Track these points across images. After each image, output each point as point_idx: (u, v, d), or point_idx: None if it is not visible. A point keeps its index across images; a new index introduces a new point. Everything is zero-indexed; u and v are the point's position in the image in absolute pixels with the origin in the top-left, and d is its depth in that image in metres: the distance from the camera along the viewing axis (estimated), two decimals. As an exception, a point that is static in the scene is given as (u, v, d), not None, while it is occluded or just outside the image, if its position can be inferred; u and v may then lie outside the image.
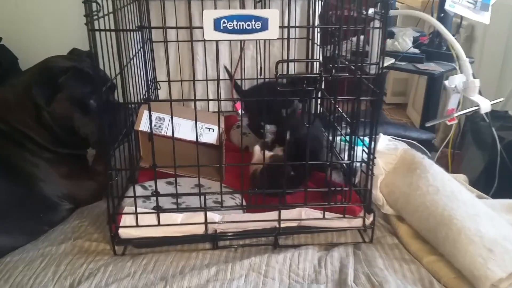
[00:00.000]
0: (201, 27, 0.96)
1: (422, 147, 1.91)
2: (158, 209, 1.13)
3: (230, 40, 1.80)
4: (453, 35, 1.57)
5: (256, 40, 1.61)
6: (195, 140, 1.39)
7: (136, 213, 1.12)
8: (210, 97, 1.95)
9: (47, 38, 2.08)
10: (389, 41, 2.14)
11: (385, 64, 1.70)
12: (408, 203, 1.20)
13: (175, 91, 1.95)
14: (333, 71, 1.03)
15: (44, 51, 1.46)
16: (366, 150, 1.19)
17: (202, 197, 1.13)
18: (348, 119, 1.31)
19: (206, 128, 1.46)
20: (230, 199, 1.28)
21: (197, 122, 1.46)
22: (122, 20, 1.54)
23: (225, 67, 1.91)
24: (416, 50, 2.10)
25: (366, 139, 1.20)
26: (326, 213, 1.18)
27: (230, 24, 0.95)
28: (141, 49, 1.68)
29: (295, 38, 1.87)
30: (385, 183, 1.28)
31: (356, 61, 1.10)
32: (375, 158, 1.15)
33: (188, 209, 1.16)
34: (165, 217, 1.14)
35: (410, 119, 3.38)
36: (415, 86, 3.20)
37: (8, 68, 1.94)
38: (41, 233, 1.29)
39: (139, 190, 1.28)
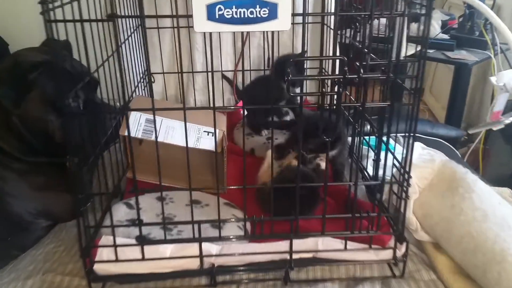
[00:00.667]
0: (191, 16, 0.73)
1: (452, 147, 1.68)
2: (142, 240, 0.91)
3: (228, 32, 1.57)
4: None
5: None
6: (191, 146, 1.18)
7: (114, 246, 0.90)
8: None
9: (39, 23, 1.87)
10: (413, 25, 1.88)
11: (409, 52, 1.46)
12: (450, 231, 0.98)
13: (172, 84, 1.72)
14: (361, 70, 0.80)
15: (37, 36, 1.22)
16: (397, 163, 0.96)
17: (196, 225, 0.91)
18: (375, 126, 1.07)
19: (204, 132, 1.23)
20: (232, 221, 1.06)
21: (195, 125, 1.25)
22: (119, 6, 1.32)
23: (223, 75, 1.68)
24: (445, 36, 1.84)
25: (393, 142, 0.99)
26: (348, 242, 0.95)
27: (228, 12, 0.72)
28: (129, 39, 1.45)
29: (307, 23, 1.61)
30: (420, 203, 1.05)
31: (388, 57, 0.86)
32: (411, 177, 0.92)
33: (179, 241, 0.94)
34: (151, 250, 0.93)
35: (427, 105, 3.09)
36: (433, 68, 2.90)
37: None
38: (9, 259, 1.08)
39: (122, 210, 1.07)
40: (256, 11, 0.72)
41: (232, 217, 1.06)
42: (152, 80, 1.64)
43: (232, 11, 0.72)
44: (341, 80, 0.80)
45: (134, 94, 1.46)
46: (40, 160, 1.19)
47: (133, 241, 0.92)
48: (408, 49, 1.70)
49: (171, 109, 0.88)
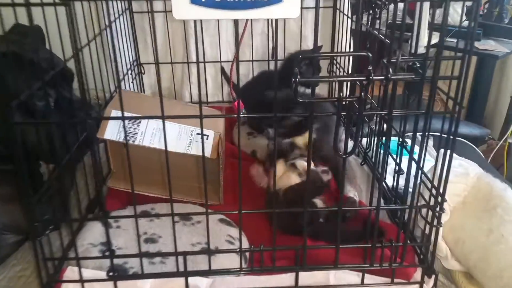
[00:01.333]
0: (168, -2, 0.55)
1: (474, 146, 1.50)
2: (114, 275, 0.75)
3: (218, 20, 1.37)
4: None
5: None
6: (182, 151, 1.01)
7: (81, 281, 0.74)
8: (210, 83, 1.53)
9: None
10: (436, 12, 1.68)
11: (432, 42, 1.28)
12: (487, 262, 0.81)
13: (165, 75, 1.54)
14: (390, 70, 0.62)
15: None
16: (427, 181, 0.78)
17: (180, 260, 0.74)
18: (398, 132, 0.90)
19: (198, 134, 1.05)
20: (226, 243, 0.90)
21: (187, 127, 1.07)
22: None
23: (222, 69, 1.49)
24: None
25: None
26: (366, 275, 0.78)
27: (217, -7, 0.54)
28: (115, 23, 1.27)
29: (318, 8, 1.42)
30: (451, 226, 0.87)
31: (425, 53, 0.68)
32: (445, 200, 0.74)
33: (160, 275, 0.77)
34: (126, 285, 0.76)
35: (440, 94, 2.87)
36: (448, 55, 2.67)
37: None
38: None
39: (97, 231, 0.90)
40: (254, -8, 0.54)
41: (227, 240, 0.89)
42: (142, 71, 1.46)
43: (223, -8, 0.54)
44: (364, 82, 0.62)
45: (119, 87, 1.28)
46: (5, 168, 1.02)
47: (104, 274, 0.76)
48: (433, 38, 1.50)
49: (145, 117, 0.70)
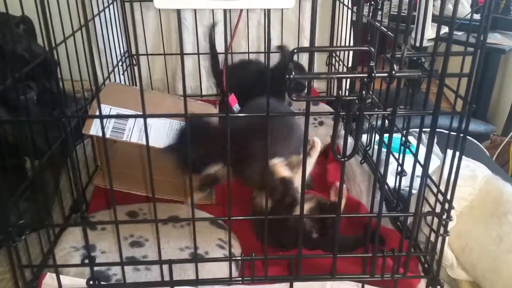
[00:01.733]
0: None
1: (481, 145, 1.44)
2: (94, 284, 0.69)
3: (205, 9, 1.29)
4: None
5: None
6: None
7: (59, 291, 0.68)
8: (204, 76, 1.47)
9: None
10: (438, 3, 1.62)
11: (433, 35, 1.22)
12: (496, 272, 0.75)
13: (157, 67, 1.48)
14: (394, 67, 0.55)
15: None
16: (433, 186, 0.72)
17: (166, 266, 0.68)
18: (401, 131, 0.84)
19: (189, 130, 0.99)
20: (217, 248, 0.84)
21: (177, 122, 1.01)
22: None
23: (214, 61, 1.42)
24: (476, 16, 1.57)
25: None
26: (366, 286, 0.73)
27: (203, -22, 0.48)
28: (104, 13, 1.20)
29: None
30: (457, 232, 0.81)
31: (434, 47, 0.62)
32: (453, 208, 0.68)
33: (144, 284, 0.71)
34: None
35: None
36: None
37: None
38: None
39: (80, 233, 0.84)
40: (245, -23, 0.47)
41: (217, 244, 0.84)
42: (134, 62, 1.40)
43: (210, -23, 0.47)
44: (366, 80, 0.55)
45: (109, 80, 1.22)
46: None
47: (84, 283, 0.70)
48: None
49: (126, 116, 0.64)
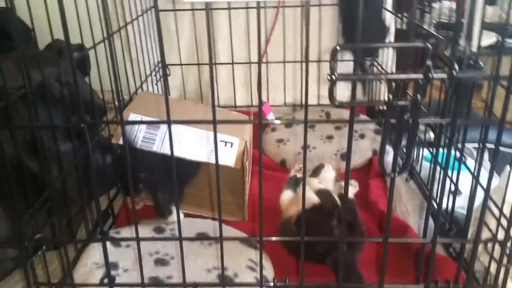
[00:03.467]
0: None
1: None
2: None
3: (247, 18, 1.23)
4: None
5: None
6: (203, 160, 0.89)
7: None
8: (238, 86, 1.40)
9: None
10: (489, 9, 1.50)
11: (486, 43, 1.11)
12: None
13: (191, 77, 1.42)
14: (456, 67, 0.46)
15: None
16: (495, 209, 0.61)
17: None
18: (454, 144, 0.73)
19: (221, 141, 0.92)
20: (247, 270, 0.75)
21: (210, 132, 0.94)
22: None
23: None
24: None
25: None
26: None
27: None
28: (137, 21, 1.16)
29: None
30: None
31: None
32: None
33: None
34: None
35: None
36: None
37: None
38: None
39: (99, 253, 0.78)
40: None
41: (248, 266, 0.75)
42: (168, 73, 1.35)
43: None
44: (421, 82, 0.46)
45: (141, 89, 1.17)
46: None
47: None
48: (486, 38, 1.31)
49: (146, 122, 0.57)
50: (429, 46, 0.47)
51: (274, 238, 0.63)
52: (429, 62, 0.46)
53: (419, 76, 0.46)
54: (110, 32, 0.53)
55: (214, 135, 0.55)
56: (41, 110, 0.74)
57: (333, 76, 0.43)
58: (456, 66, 0.47)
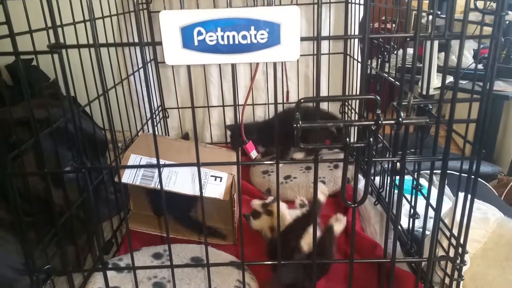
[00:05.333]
0: (159, 43, 0.46)
1: (486, 183, 1.33)
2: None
3: (214, 64, 1.27)
4: None
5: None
6: (195, 194, 0.91)
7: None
8: (228, 124, 1.44)
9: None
10: (441, 55, 1.57)
11: (438, 84, 1.15)
12: (516, 317, 0.65)
13: (187, 119, 1.46)
14: (403, 113, 0.50)
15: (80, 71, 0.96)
16: (445, 229, 0.64)
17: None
18: (412, 174, 0.77)
19: (212, 176, 0.96)
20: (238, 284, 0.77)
21: (201, 169, 0.97)
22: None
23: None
24: (478, 66, 1.51)
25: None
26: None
27: (211, 37, 0.45)
28: (140, 70, 1.21)
29: (328, 54, 1.33)
30: (472, 275, 0.72)
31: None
32: (466, 252, 0.61)
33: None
34: None
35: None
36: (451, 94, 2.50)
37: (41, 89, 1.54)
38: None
39: (109, 274, 0.79)
40: (250, 35, 0.44)
41: (235, 286, 0.77)
42: (167, 115, 1.39)
43: (217, 36, 0.44)
44: (373, 127, 0.50)
45: (142, 131, 1.21)
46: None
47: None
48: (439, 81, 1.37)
49: (146, 166, 0.60)
50: (378, 98, 0.51)
51: (254, 263, 0.66)
52: (378, 111, 0.51)
53: (371, 123, 0.51)
54: (105, 89, 0.56)
55: (199, 176, 0.58)
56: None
57: (297, 125, 0.47)
58: (402, 114, 0.51)
